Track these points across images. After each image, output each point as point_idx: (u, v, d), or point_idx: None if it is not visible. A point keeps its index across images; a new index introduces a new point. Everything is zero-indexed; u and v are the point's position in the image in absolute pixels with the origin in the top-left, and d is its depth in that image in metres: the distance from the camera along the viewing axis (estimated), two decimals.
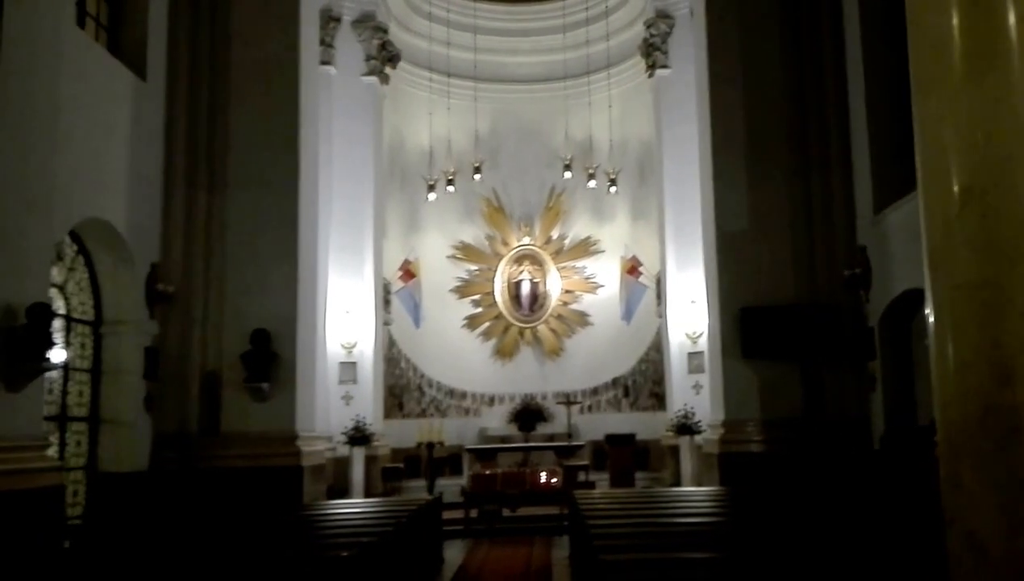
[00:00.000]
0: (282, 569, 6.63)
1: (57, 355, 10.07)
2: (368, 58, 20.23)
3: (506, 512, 15.94)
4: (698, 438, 17.53)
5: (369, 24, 20.16)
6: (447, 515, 14.21)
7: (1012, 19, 3.83)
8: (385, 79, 20.70)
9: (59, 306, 11.65)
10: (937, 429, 3.91)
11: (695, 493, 12.63)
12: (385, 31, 20.61)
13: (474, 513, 15.75)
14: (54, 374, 11.23)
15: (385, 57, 20.66)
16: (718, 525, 8.81)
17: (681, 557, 6.48)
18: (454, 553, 13.54)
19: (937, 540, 6.17)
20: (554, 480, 16.58)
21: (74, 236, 12.17)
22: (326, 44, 18.90)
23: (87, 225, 12.02)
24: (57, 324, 10.72)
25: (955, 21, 3.92)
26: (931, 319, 3.91)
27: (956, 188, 3.83)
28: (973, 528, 3.51)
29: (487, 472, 17.05)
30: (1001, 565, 3.39)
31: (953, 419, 3.66)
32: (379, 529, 8.66)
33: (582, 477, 17.50)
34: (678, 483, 17.85)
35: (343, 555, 6.92)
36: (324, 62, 18.40)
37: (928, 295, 3.96)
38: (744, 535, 7.94)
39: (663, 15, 20.31)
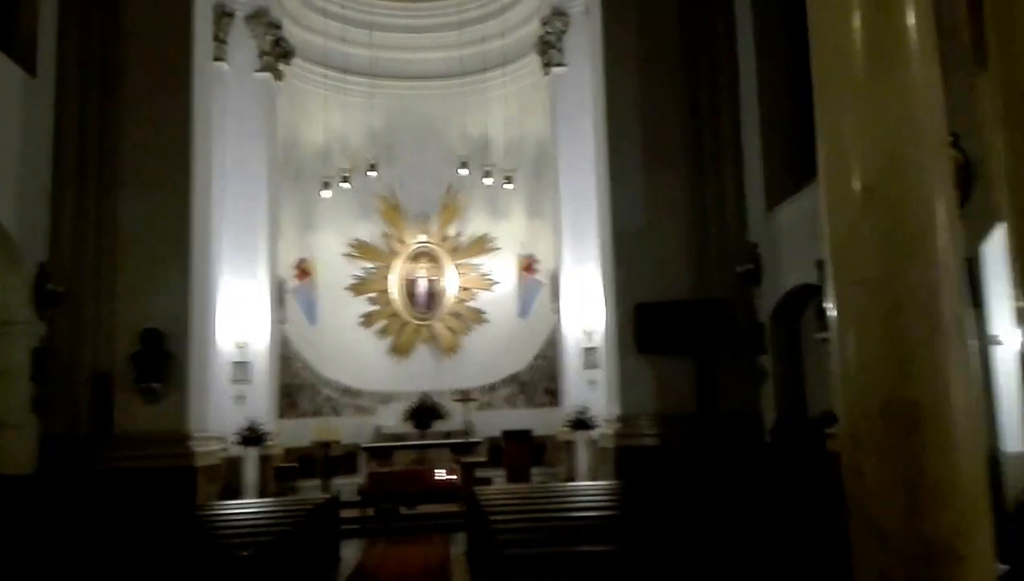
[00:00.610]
0: (181, 570, 6.55)
1: None
2: (262, 54, 19.94)
3: (403, 510, 15.90)
4: (593, 433, 17.70)
5: (263, 20, 19.86)
6: (344, 514, 14.15)
7: (910, 22, 3.96)
8: (279, 75, 20.44)
9: None
10: (839, 420, 4.02)
11: (591, 487, 12.77)
12: (279, 27, 20.33)
13: (371, 512, 15.68)
14: None
15: (279, 53, 20.40)
16: (615, 518, 8.96)
17: (581, 551, 6.60)
18: (351, 552, 13.46)
19: (828, 527, 6.37)
20: (451, 477, 16.59)
21: None
22: (219, 40, 18.56)
23: None
24: None
25: (856, 24, 4.02)
26: (833, 314, 4.02)
27: (857, 186, 3.94)
28: (874, 515, 3.62)
29: (384, 470, 17.00)
30: (901, 549, 3.51)
31: (855, 411, 3.78)
32: (276, 529, 8.61)
33: (479, 474, 17.52)
34: (573, 478, 18.00)
35: (243, 554, 6.87)
36: (217, 58, 18.07)
37: (830, 290, 4.07)
38: (640, 528, 8.09)
39: (558, 13, 20.39)
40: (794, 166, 13.34)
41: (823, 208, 4.23)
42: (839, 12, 4.10)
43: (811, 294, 12.20)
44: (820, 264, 9.91)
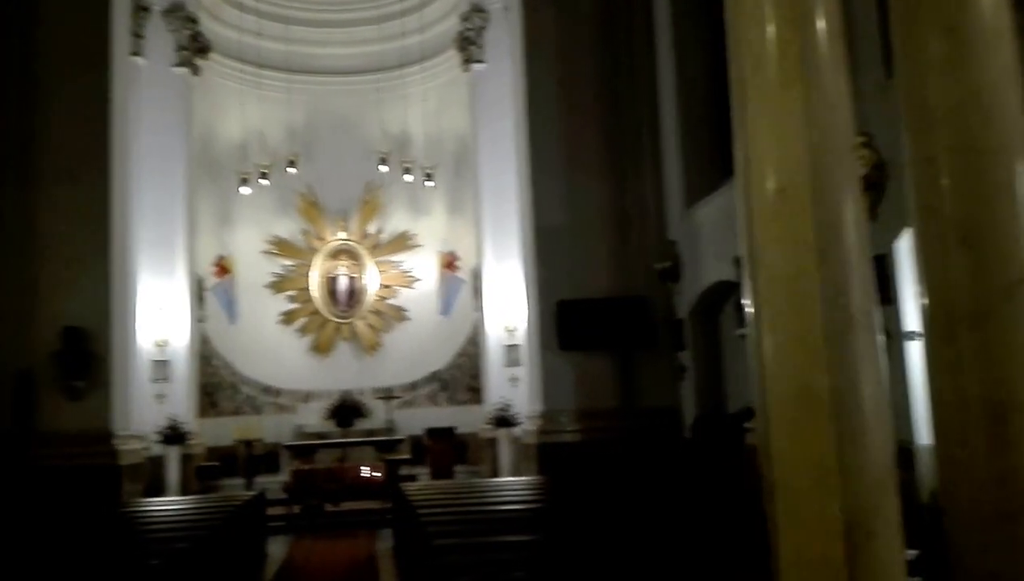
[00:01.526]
0: (110, 567, 6.66)
1: None
2: (178, 48, 19.86)
3: (328, 507, 16.04)
4: (516, 430, 17.97)
5: (179, 14, 19.76)
6: (269, 511, 14.24)
7: (820, 35, 4.27)
8: (196, 70, 20.36)
9: None
10: (756, 407, 4.31)
11: (514, 483, 13.05)
12: (195, 21, 20.26)
13: (296, 509, 15.80)
14: None
15: (196, 48, 20.32)
16: (537, 511, 9.27)
17: (505, 540, 6.89)
18: (278, 548, 13.60)
19: (746, 516, 6.70)
20: (376, 475, 16.75)
21: None
22: (135, 34, 18.43)
23: None
24: None
25: (770, 35, 4.32)
26: (750, 308, 4.31)
27: (771, 188, 4.23)
28: (788, 496, 3.93)
29: (308, 468, 17.09)
30: (814, 527, 3.82)
31: (770, 398, 4.07)
32: (204, 525, 8.75)
33: (403, 471, 17.70)
34: (496, 475, 18.23)
35: (178, 547, 7.03)
36: (133, 53, 17.96)
37: (746, 286, 4.36)
38: (561, 519, 8.40)
39: (477, 9, 20.55)
40: (712, 165, 13.71)
41: (739, 208, 4.51)
42: (753, 24, 4.38)
43: (729, 291, 12.57)
44: (738, 261, 10.27)
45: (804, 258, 4.09)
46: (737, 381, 13.22)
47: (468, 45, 20.80)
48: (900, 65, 5.09)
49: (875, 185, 8.62)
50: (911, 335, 8.82)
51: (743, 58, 4.50)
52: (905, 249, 8.54)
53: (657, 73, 15.02)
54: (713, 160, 13.77)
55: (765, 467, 4.09)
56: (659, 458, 13.59)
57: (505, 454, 18.30)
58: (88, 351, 13.61)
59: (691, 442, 13.70)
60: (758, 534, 4.30)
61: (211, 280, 20.92)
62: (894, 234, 8.47)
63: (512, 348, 19.34)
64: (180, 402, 18.71)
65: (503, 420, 18.24)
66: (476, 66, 20.64)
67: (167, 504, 12.16)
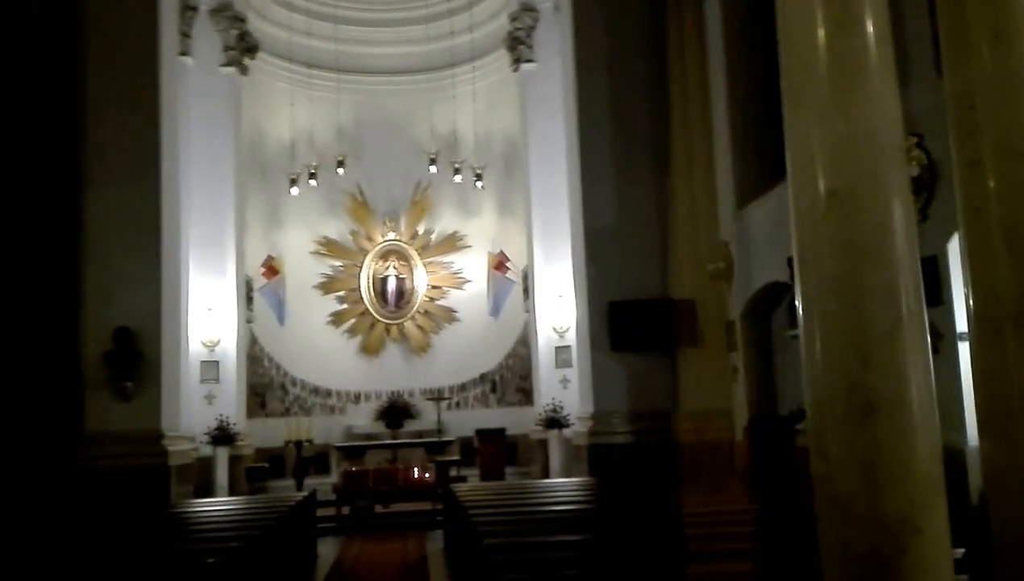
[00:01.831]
0: (163, 568, 6.86)
1: None
2: (226, 48, 20.16)
3: (378, 508, 16.28)
4: (566, 431, 18.12)
5: (227, 13, 20.03)
6: (319, 513, 14.49)
7: (870, 40, 4.42)
8: (244, 70, 20.66)
9: None
10: (805, 407, 4.46)
11: (565, 483, 13.20)
12: (243, 20, 20.55)
13: (346, 510, 16.04)
14: None
15: (244, 48, 20.60)
16: (588, 512, 9.41)
17: (555, 540, 7.05)
18: (328, 549, 13.84)
19: (798, 520, 6.83)
20: (426, 476, 16.97)
21: None
22: (183, 34, 18.75)
23: None
24: None
25: (820, 41, 4.46)
26: (800, 309, 4.46)
27: (822, 191, 4.38)
28: (837, 492, 4.08)
29: (358, 469, 17.34)
30: (862, 524, 3.98)
31: (820, 397, 4.23)
32: (256, 526, 8.95)
33: (453, 472, 17.93)
34: (547, 476, 18.39)
35: (232, 546, 7.24)
36: (181, 53, 18.27)
37: (797, 287, 4.51)
38: (612, 519, 8.53)
39: (527, 8, 20.69)
40: (765, 165, 13.74)
41: (791, 211, 4.66)
42: (805, 30, 4.53)
43: (782, 292, 12.62)
44: (791, 262, 10.34)
45: (854, 259, 4.23)
46: (789, 383, 13.25)
47: (518, 44, 20.94)
48: (948, 68, 5.23)
49: (926, 186, 8.70)
50: (963, 336, 8.85)
51: (794, 63, 4.65)
52: (956, 250, 8.58)
53: (708, 71, 15.06)
54: (766, 160, 13.80)
55: (814, 464, 4.24)
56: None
57: (556, 455, 18.44)
58: (138, 352, 13.87)
59: (743, 444, 13.75)
60: (809, 534, 4.45)
61: (260, 281, 21.20)
62: (946, 235, 8.51)
63: (562, 349, 19.48)
64: (229, 403, 18.99)
65: (553, 421, 18.39)
66: (526, 66, 20.78)
67: (218, 504, 12.42)
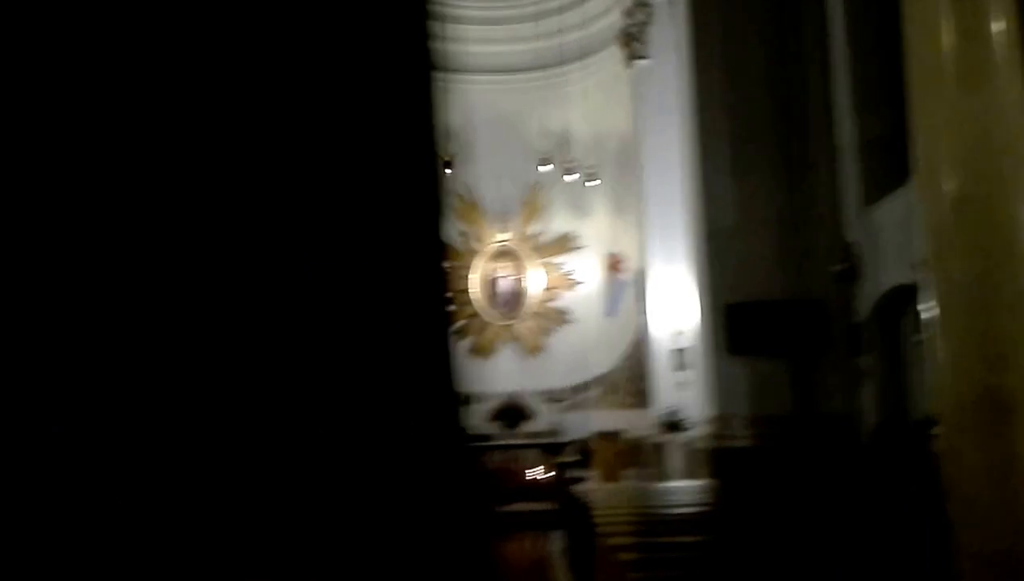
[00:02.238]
0: None
1: None
2: None
3: (497, 508, 16.56)
4: (685, 435, 18.18)
5: None
6: None
7: (996, 43, 4.56)
8: None
9: None
10: (935, 411, 4.63)
11: (686, 487, 13.36)
12: None
13: None
14: None
15: None
16: (708, 515, 9.56)
17: (678, 541, 7.24)
18: None
19: (930, 524, 6.92)
20: (545, 476, 17.21)
21: None
22: None
23: None
24: None
25: (946, 45, 4.63)
26: (931, 313, 4.62)
27: (951, 195, 4.54)
28: (970, 495, 4.25)
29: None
30: (995, 526, 4.14)
31: (953, 401, 4.39)
32: None
33: (570, 474, 18.13)
34: (665, 479, 18.46)
35: None
36: None
37: (928, 291, 4.67)
38: (736, 523, 8.68)
39: (641, 3, 20.74)
40: (891, 163, 13.58)
41: (922, 214, 4.82)
42: (930, 35, 4.69)
43: (912, 294, 12.48)
44: (919, 265, 10.33)
45: (984, 263, 4.38)
46: (920, 387, 13.13)
47: (631, 41, 21.05)
48: None
49: None
50: None
51: (921, 68, 4.82)
52: None
53: (831, 66, 14.92)
54: (892, 158, 13.66)
55: (946, 466, 4.40)
56: (837, 465, 13.55)
57: (674, 459, 18.53)
58: None
59: (871, 449, 13.63)
60: (944, 540, 4.59)
61: None
62: None
63: (679, 351, 19.52)
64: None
65: (672, 425, 18.46)
66: (639, 62, 20.86)
67: None
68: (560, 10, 22.42)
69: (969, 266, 4.33)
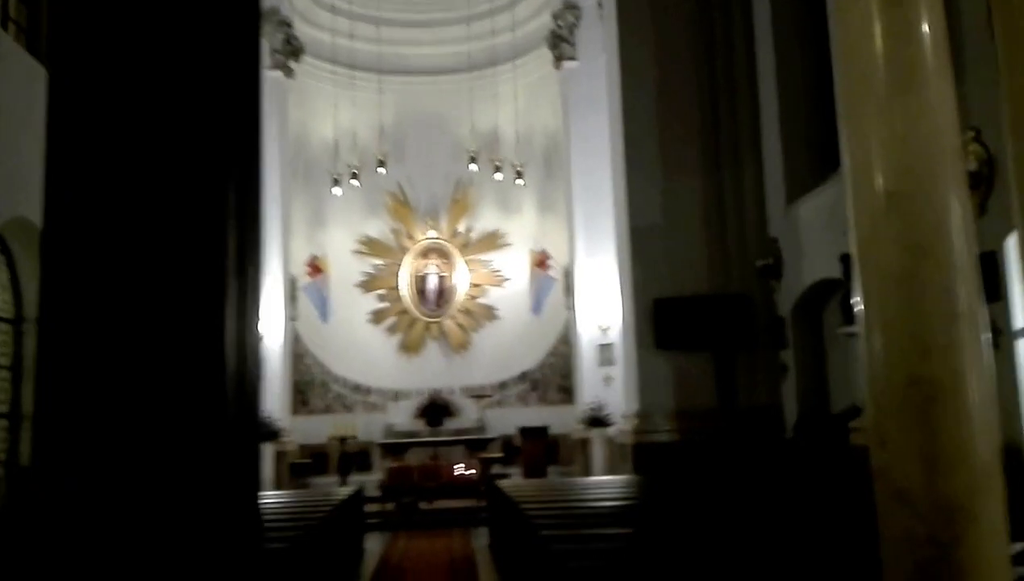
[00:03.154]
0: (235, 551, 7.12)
1: None
2: (272, 52, 20.58)
3: (423, 505, 16.57)
4: (609, 430, 18.31)
5: (274, 18, 20.48)
6: (364, 509, 14.79)
7: (926, 46, 4.63)
8: (289, 72, 21.07)
9: None
10: (865, 400, 4.69)
11: (611, 481, 13.41)
12: (289, 25, 20.96)
13: (390, 507, 16.34)
14: None
15: (289, 51, 21.03)
16: (635, 507, 9.62)
17: (606, 533, 7.27)
18: (374, 545, 14.14)
19: (849, 515, 7.03)
20: (470, 473, 17.24)
21: None
22: None
23: (10, 225, 12.29)
24: None
25: (878, 48, 4.69)
26: (860, 306, 4.68)
27: (880, 191, 4.60)
28: (897, 480, 4.31)
29: (403, 466, 17.63)
30: (922, 510, 4.21)
31: (881, 388, 4.45)
32: (309, 519, 9.22)
33: (496, 470, 18.18)
34: (589, 475, 18.56)
35: (290, 535, 7.51)
36: None
37: (856, 285, 4.73)
38: (662, 515, 8.75)
39: (570, 6, 20.99)
40: (814, 161, 13.85)
41: (849, 210, 4.88)
42: (861, 37, 4.75)
43: (833, 288, 12.71)
44: (844, 258, 10.50)
45: (911, 257, 4.45)
46: (840, 380, 13.35)
47: (560, 42, 21.18)
48: (1004, 70, 5.43)
49: (984, 180, 8.83)
50: (1022, 333, 8.96)
51: (852, 69, 4.87)
52: (1015, 246, 8.67)
53: (756, 67, 15.12)
54: (815, 156, 13.91)
55: (873, 453, 4.47)
56: (760, 458, 13.72)
57: (598, 454, 18.66)
58: None
59: (793, 442, 13.83)
60: (863, 532, 4.64)
61: (304, 279, 21.56)
62: (1005, 230, 8.60)
63: (605, 347, 19.68)
64: (274, 399, 19.36)
65: (596, 420, 18.59)
66: (568, 64, 21.03)
67: (268, 498, 12.70)
68: (491, 13, 22.53)
69: (898, 260, 4.42)
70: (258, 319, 3.90)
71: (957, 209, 4.53)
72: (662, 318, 14.81)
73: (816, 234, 13.11)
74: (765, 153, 14.94)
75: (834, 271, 11.85)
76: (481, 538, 14.40)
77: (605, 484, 12.68)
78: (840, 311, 11.57)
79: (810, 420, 13.59)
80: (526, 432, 19.35)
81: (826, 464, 12.10)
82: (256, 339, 4.06)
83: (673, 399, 14.75)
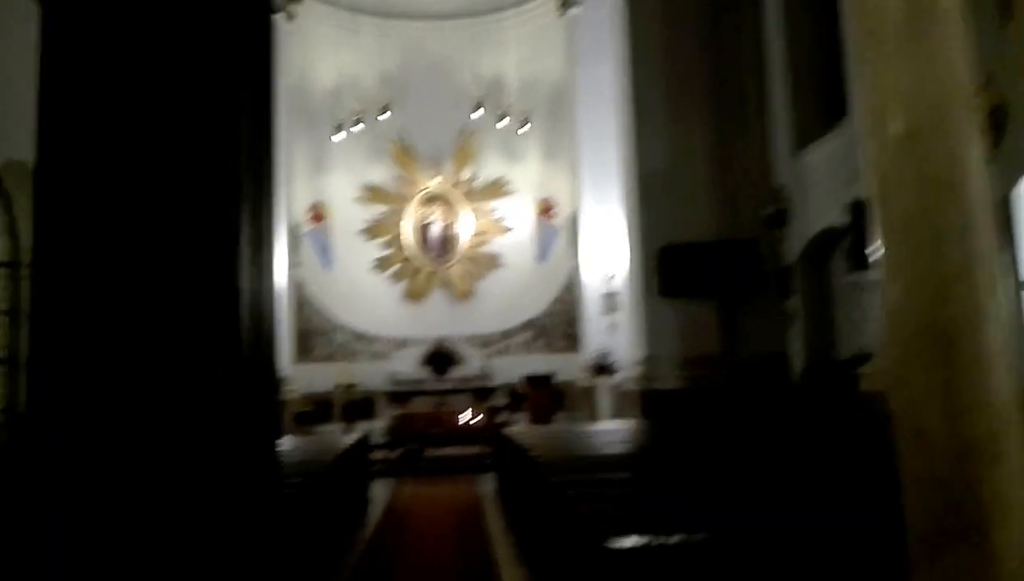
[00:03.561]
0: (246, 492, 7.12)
1: None
2: None
3: (428, 452, 16.62)
4: (615, 378, 18.35)
5: None
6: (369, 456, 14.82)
7: None
8: (290, 16, 20.89)
9: None
10: (885, 341, 4.68)
11: (617, 427, 13.43)
12: None
13: (395, 454, 16.39)
14: None
15: None
16: (639, 452, 9.63)
17: (613, 477, 7.27)
18: (380, 492, 14.20)
19: (866, 461, 7.03)
20: (476, 420, 17.27)
21: None
22: None
23: (7, 167, 12.19)
24: None
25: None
26: (880, 250, 4.65)
27: (897, 134, 4.56)
28: (918, 420, 4.31)
29: (408, 413, 17.67)
30: (943, 449, 4.22)
31: (901, 330, 4.44)
32: (315, 464, 9.23)
33: (501, 418, 18.23)
34: (595, 422, 18.62)
35: (296, 481, 7.51)
36: None
37: (876, 227, 4.70)
38: (667, 459, 8.76)
39: None
40: (821, 108, 13.72)
41: (865, 153, 4.85)
42: None
43: (839, 237, 12.63)
44: (854, 206, 10.43)
45: (928, 199, 4.43)
46: (847, 328, 13.31)
47: None
48: (1019, 12, 5.38)
49: (995, 126, 8.76)
50: None
51: (865, 14, 4.83)
52: None
53: (763, 12, 14.96)
54: (822, 103, 13.78)
55: (893, 394, 4.47)
56: (767, 404, 13.69)
57: (604, 401, 18.70)
58: None
59: (800, 389, 13.80)
60: (873, 476, 4.63)
61: (306, 226, 21.50)
62: (1014, 178, 8.58)
63: (610, 295, 19.67)
64: (278, 348, 19.26)
65: (602, 367, 18.63)
66: (572, 10, 20.86)
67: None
68: None
69: (914, 203, 4.39)
70: (272, 267, 3.84)
71: (974, 151, 4.51)
72: (668, 265, 14.72)
73: (823, 182, 13.01)
74: (772, 100, 14.80)
75: (840, 219, 11.77)
76: (487, 485, 14.46)
77: (612, 430, 12.70)
78: (847, 260, 11.47)
79: (817, 367, 13.56)
80: (532, 380, 19.38)
81: (835, 410, 12.09)
82: (271, 286, 4.01)
83: (679, 346, 14.70)
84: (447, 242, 23.15)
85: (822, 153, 13.09)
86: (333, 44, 22.07)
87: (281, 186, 19.99)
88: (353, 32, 22.03)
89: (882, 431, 4.63)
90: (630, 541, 4.62)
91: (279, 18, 20.32)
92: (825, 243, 13.40)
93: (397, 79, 22.84)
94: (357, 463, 12.50)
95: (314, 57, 22.39)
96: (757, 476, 6.99)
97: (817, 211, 13.24)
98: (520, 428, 15.80)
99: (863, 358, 11.18)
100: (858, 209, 10.26)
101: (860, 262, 10.42)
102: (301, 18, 21.46)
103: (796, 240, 14.00)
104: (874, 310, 10.77)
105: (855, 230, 10.35)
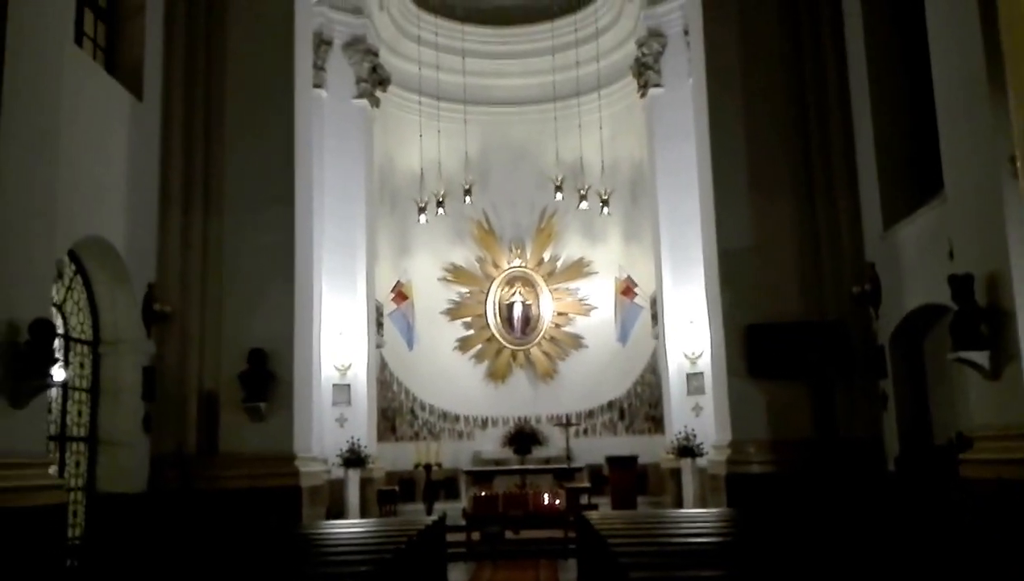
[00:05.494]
0: None
1: (58, 373, 9.89)
2: (359, 81, 20.17)
3: (509, 534, 15.75)
4: (700, 460, 17.40)
5: (360, 47, 20.11)
6: (448, 537, 13.97)
7: None
8: (375, 102, 20.61)
9: (58, 325, 11.33)
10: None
11: (704, 514, 12.46)
12: (375, 54, 20.56)
13: (476, 536, 15.53)
14: (53, 393, 10.95)
15: (375, 80, 20.59)
16: (730, 545, 8.66)
17: (701, 575, 6.36)
18: (458, 575, 13.35)
19: (962, 553, 6.08)
20: (556, 502, 16.34)
21: (72, 255, 11.93)
22: (317, 67, 18.70)
23: (85, 244, 11.82)
24: (56, 343, 10.43)
25: None
26: None
27: None
28: None
29: (489, 494, 16.81)
30: None
31: None
32: (388, 548, 8.47)
33: (583, 500, 17.32)
34: (680, 506, 17.68)
35: (362, 570, 6.74)
36: (315, 85, 18.05)
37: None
38: (757, 554, 7.80)
39: (655, 34, 20.27)
40: (912, 183, 12.87)
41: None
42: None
43: (935, 314, 11.66)
44: (954, 280, 9.44)
45: None
46: (943, 410, 12.29)
47: (645, 70, 20.44)
48: None
49: None
50: None
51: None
52: None
53: (849, 86, 14.15)
54: (913, 178, 12.91)
55: None
56: (860, 492, 12.65)
57: (689, 485, 17.74)
58: (271, 372, 13.50)
59: (897, 474, 12.72)
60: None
61: (389, 306, 21.02)
62: None
63: (694, 376, 18.81)
64: (360, 426, 18.79)
65: (687, 450, 17.69)
66: (653, 91, 20.30)
67: (349, 527, 12.01)
68: (576, 44, 22.00)
69: None
70: None
71: None
72: (755, 345, 13.84)
73: (917, 258, 12.06)
74: (860, 175, 13.93)
75: (936, 296, 10.80)
76: (569, 572, 13.48)
77: (698, 517, 11.74)
78: (948, 336, 10.38)
79: (914, 452, 12.48)
80: (614, 461, 18.47)
81: (935, 498, 11.04)
82: None
83: (767, 429, 13.73)
84: (529, 322, 22.58)
85: (914, 229, 12.16)
86: (417, 129, 21.69)
87: (365, 266, 19.55)
88: (436, 118, 21.60)
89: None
90: None
91: (363, 104, 20.06)
92: (920, 321, 12.41)
93: (479, 162, 22.49)
94: (433, 545, 11.69)
95: (398, 141, 22.17)
96: (856, 574, 6.06)
97: (911, 288, 12.28)
98: (602, 513, 14.82)
99: (963, 442, 10.14)
100: (964, 283, 9.26)
101: (964, 339, 9.36)
102: (385, 104, 21.18)
103: (889, 318, 13.02)
104: (977, 389, 9.68)
105: (963, 305, 9.32)
